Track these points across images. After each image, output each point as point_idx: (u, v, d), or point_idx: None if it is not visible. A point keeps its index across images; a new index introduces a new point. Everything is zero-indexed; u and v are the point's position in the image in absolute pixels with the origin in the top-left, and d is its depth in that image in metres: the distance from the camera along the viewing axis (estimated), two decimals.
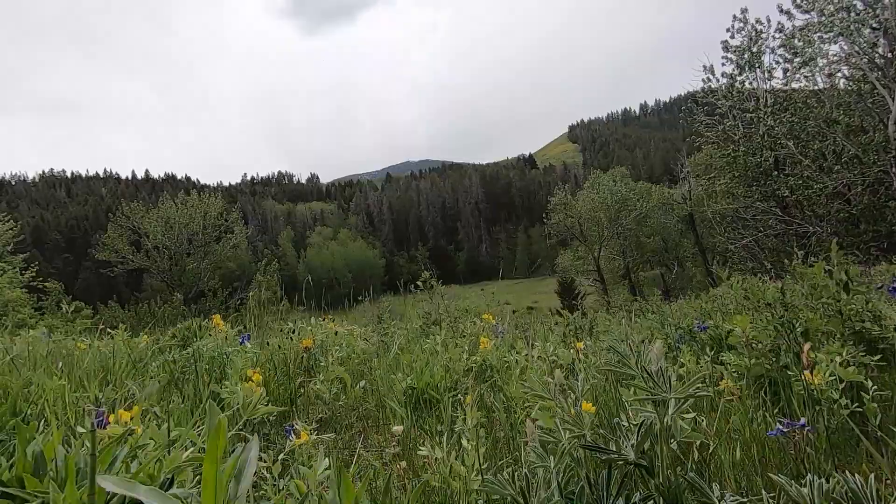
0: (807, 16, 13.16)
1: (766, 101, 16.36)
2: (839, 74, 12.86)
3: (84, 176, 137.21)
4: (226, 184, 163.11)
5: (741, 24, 17.14)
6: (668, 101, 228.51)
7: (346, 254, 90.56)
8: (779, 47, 15.32)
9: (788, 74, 15.40)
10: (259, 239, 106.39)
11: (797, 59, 14.04)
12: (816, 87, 15.29)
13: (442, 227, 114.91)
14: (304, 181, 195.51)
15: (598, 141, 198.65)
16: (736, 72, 17.51)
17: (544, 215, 31.64)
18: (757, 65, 15.99)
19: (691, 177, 31.29)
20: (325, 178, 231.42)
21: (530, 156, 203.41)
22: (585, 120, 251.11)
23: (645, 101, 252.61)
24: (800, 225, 13.87)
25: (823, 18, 12.50)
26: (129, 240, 28.20)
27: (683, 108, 21.15)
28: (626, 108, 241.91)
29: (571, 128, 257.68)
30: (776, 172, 16.78)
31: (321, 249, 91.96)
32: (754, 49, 16.23)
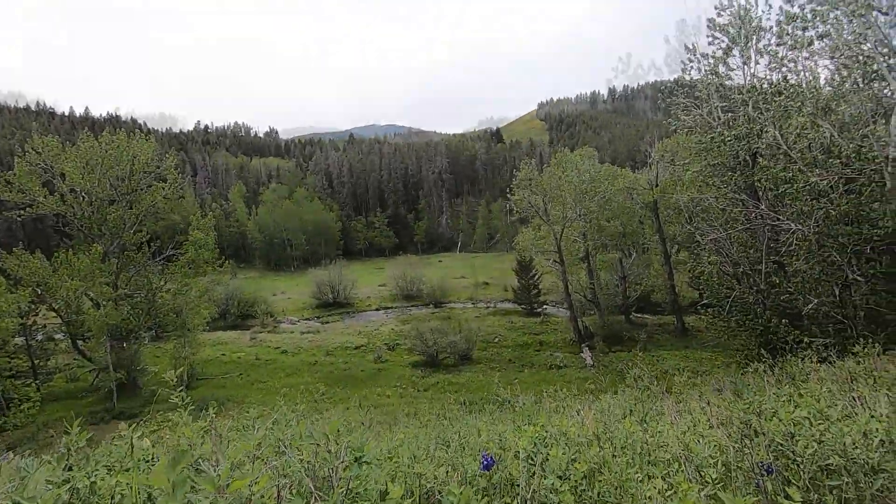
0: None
1: (755, 84, 15.30)
2: (840, 59, 11.74)
3: (13, 107, 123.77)
4: (176, 131, 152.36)
5: (728, 2, 15.90)
6: (635, 87, 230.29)
7: (300, 214, 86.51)
8: (774, 26, 14.11)
9: (780, 57, 14.30)
10: (208, 192, 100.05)
11: (791, 39, 12.84)
12: (807, 74, 14.30)
13: (403, 194, 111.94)
14: (261, 135, 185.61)
15: (565, 121, 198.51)
16: (721, 53, 16.36)
17: (508, 190, 30.23)
18: (747, 43, 14.80)
19: (660, 163, 30.59)
20: (285, 135, 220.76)
21: (497, 130, 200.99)
22: (554, 99, 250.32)
23: (613, 86, 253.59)
24: (781, 222, 12.97)
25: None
26: (42, 180, 24.65)
27: (662, 88, 19.94)
28: (594, 91, 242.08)
29: (540, 105, 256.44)
30: (755, 163, 15.93)
31: (275, 208, 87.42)
32: (742, 30, 15.03)
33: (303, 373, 28.21)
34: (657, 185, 28.90)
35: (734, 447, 2.35)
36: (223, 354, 32.12)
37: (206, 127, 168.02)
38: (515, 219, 32.18)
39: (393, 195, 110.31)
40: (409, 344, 29.71)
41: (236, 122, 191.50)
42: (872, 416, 2.50)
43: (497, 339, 33.12)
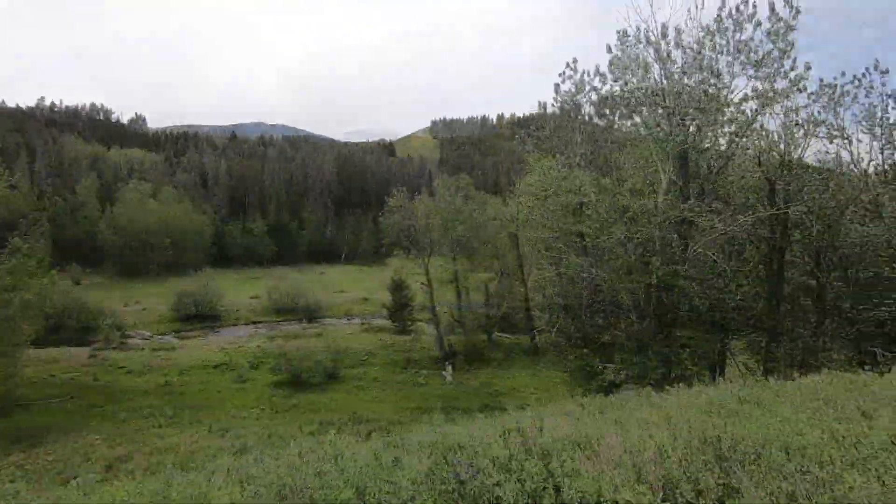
0: (616, 85, 14.77)
1: (583, 147, 18.25)
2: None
3: None
4: (11, 105, 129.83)
5: (571, 73, 18.77)
6: (521, 116, 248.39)
7: (166, 215, 78.91)
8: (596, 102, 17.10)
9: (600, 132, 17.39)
10: (49, 182, 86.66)
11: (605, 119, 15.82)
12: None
13: (286, 201, 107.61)
14: (125, 121, 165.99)
15: (456, 140, 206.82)
16: (559, 110, 19.16)
17: (380, 213, 31.35)
18: (576, 115, 17.69)
19: (521, 197, 33.97)
20: (155, 123, 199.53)
21: (391, 143, 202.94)
22: (448, 118, 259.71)
23: (502, 113, 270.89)
24: (585, 267, 15.64)
25: (627, 89, 14.15)
26: None
27: (517, 135, 22.65)
28: (484, 116, 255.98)
29: (434, 123, 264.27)
30: (582, 212, 18.86)
31: (135, 206, 78.58)
32: (577, 98, 17.92)
33: (150, 395, 26.12)
34: (517, 219, 32.11)
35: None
36: (52, 375, 28.42)
37: (53, 105, 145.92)
38: (388, 241, 33.32)
39: (276, 201, 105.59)
40: (273, 363, 29.05)
41: (93, 104, 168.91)
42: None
43: (367, 357, 33.71)
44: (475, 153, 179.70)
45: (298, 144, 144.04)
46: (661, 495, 2.47)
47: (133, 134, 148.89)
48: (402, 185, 38.55)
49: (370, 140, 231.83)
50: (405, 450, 3.90)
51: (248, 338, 39.16)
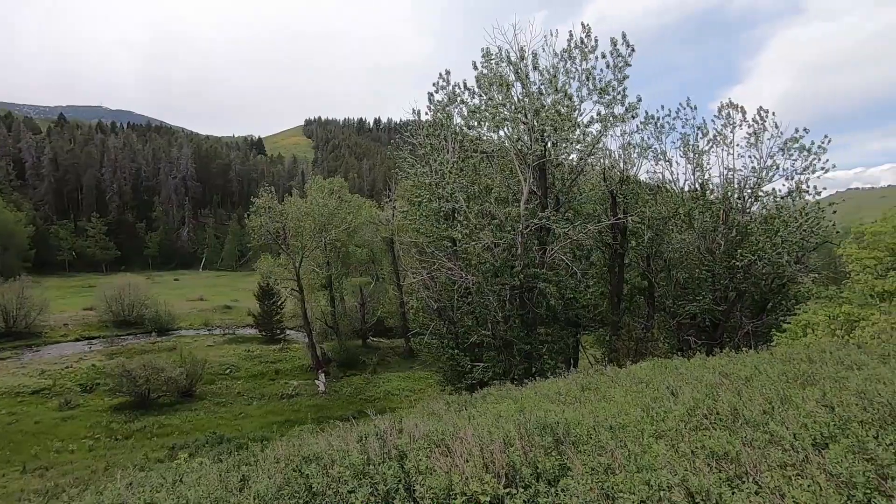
0: (483, 99, 15.66)
1: (454, 156, 18.95)
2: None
3: None
4: None
5: (444, 84, 19.39)
6: (398, 122, 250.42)
7: None
8: (466, 115, 17.91)
9: (467, 142, 18.27)
10: None
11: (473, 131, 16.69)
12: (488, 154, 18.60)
13: (132, 198, 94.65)
14: None
15: (331, 142, 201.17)
16: (431, 120, 19.69)
17: (246, 215, 29.16)
18: (448, 125, 18.35)
19: (398, 202, 34.21)
20: None
21: (259, 139, 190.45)
22: (323, 118, 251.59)
23: (378, 117, 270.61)
24: (455, 272, 16.27)
25: (490, 105, 15.09)
26: None
27: (392, 140, 22.79)
28: (361, 118, 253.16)
29: (308, 122, 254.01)
30: (453, 219, 19.57)
31: None
32: (449, 109, 18.60)
33: None
34: (392, 222, 32.27)
35: None
36: None
37: None
38: (256, 244, 31.07)
39: (119, 198, 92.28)
40: (112, 383, 25.21)
41: None
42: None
43: (229, 371, 31.01)
44: (351, 156, 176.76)
45: (149, 135, 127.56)
46: (503, 482, 2.64)
47: None
48: (271, 184, 36.21)
49: (236, 135, 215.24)
50: (258, 467, 3.64)
51: (80, 357, 33.48)
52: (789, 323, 11.38)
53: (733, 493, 2.09)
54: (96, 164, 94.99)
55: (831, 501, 1.90)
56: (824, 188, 16.97)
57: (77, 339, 39.19)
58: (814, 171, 16.35)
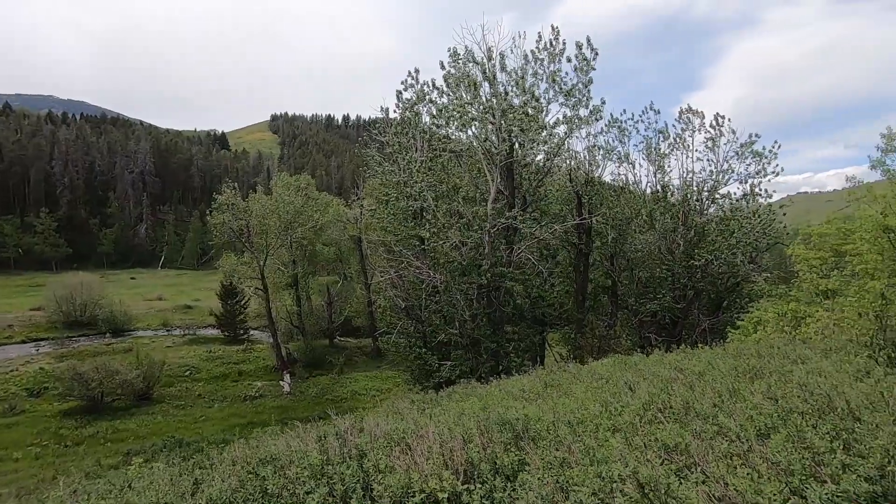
0: (451, 98, 15.67)
1: (423, 154, 18.89)
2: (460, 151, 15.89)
3: None
4: None
5: (413, 82, 19.28)
6: (367, 119, 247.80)
7: None
8: (434, 115, 17.89)
9: (435, 141, 18.25)
10: None
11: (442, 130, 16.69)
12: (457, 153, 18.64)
13: (84, 193, 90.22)
14: None
15: (298, 138, 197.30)
16: (400, 118, 19.55)
17: (208, 211, 28.26)
18: (417, 123, 18.28)
19: (366, 200, 33.85)
20: None
21: (223, 134, 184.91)
22: (290, 114, 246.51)
23: (347, 114, 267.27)
24: (423, 270, 16.25)
25: (458, 104, 15.13)
26: None
27: (360, 137, 22.52)
28: (329, 115, 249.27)
29: (274, 117, 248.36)
30: (422, 218, 19.51)
31: None
32: (417, 107, 18.53)
33: None
34: (360, 221, 31.93)
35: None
36: None
37: None
38: (218, 242, 30.15)
39: (70, 193, 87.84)
40: (62, 387, 23.98)
41: None
42: None
43: (189, 372, 30.00)
44: (319, 153, 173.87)
45: (104, 127, 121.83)
46: (462, 478, 2.65)
47: None
48: (235, 181, 35.16)
49: (198, 130, 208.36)
50: (213, 470, 3.53)
51: (26, 360, 31.72)
52: (742, 320, 11.90)
53: (681, 483, 2.16)
54: (45, 156, 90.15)
55: (769, 487, 1.99)
56: (775, 191, 17.83)
57: (23, 342, 37.13)
58: (765, 175, 17.13)
